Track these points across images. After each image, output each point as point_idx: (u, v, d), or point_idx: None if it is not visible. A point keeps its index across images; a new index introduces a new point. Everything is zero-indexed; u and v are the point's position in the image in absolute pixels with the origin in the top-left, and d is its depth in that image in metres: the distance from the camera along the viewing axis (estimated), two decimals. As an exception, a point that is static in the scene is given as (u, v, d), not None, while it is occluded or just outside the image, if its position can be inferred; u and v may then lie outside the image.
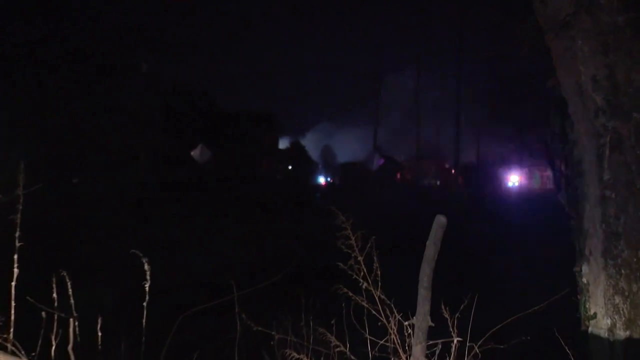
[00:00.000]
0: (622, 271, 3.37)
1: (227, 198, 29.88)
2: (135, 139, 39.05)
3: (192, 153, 31.97)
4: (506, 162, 64.85)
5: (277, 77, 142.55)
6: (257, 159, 56.78)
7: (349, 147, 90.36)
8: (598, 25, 3.40)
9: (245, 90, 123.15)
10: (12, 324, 3.09)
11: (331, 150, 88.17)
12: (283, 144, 79.56)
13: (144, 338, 3.28)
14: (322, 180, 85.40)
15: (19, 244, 3.13)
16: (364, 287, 3.05)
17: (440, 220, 2.56)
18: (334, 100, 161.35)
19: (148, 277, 3.19)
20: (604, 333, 3.43)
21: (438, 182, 68.41)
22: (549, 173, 55.70)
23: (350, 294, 3.13)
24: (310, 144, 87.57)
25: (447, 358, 2.92)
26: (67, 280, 3.28)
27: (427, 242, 2.55)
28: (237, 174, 46.78)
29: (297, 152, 76.63)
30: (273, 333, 3.75)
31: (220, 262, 10.97)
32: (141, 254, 3.20)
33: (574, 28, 3.48)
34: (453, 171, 61.03)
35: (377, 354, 3.18)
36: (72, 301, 3.24)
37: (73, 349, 3.15)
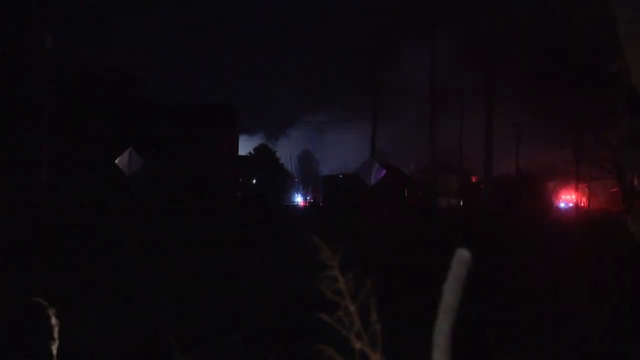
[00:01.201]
0: None
1: (160, 224, 29.77)
2: (34, 138, 38.90)
3: (117, 161, 31.81)
4: (557, 175, 65.22)
5: (240, 61, 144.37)
6: (209, 168, 56.59)
7: (338, 152, 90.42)
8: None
9: (202, 80, 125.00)
10: None
11: (312, 156, 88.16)
12: (247, 147, 79.55)
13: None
14: (299, 198, 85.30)
15: None
16: (358, 348, 3.06)
17: (463, 255, 2.54)
18: (320, 91, 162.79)
19: (56, 335, 3.18)
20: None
21: (461, 202, 68.73)
22: (616, 189, 56.06)
23: (339, 357, 3.13)
24: (286, 149, 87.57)
25: None
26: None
27: (444, 286, 2.54)
28: (180, 190, 46.66)
29: (265, 159, 76.60)
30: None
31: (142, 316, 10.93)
32: (45, 304, 3.19)
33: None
34: (482, 186, 61.28)
35: None
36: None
37: None
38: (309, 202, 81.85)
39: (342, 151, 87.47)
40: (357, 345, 3.08)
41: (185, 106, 58.69)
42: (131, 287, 13.69)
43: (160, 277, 14.90)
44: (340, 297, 2.99)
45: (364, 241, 22.96)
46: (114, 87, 50.56)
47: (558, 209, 62.60)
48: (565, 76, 46.57)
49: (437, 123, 55.13)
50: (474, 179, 72.92)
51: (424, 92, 57.87)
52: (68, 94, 45.75)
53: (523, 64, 56.48)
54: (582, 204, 64.69)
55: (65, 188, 39.12)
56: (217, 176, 59.04)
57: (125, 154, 31.78)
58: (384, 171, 34.14)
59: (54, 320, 3.19)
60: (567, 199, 66.59)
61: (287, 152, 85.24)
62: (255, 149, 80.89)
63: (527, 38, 55.02)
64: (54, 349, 3.19)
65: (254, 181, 73.24)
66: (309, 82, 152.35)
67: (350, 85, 70.37)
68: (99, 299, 12.78)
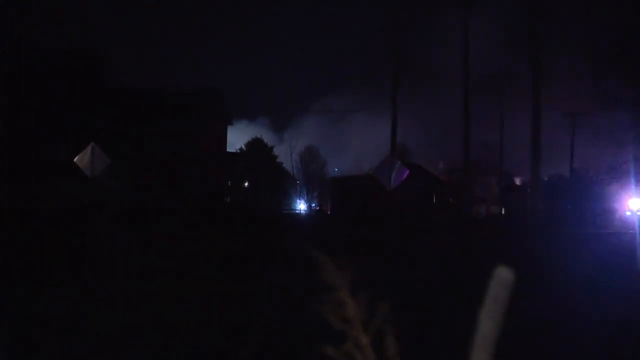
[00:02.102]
0: None
1: (123, 241, 29.54)
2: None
3: (76, 159, 31.61)
4: (622, 177, 64.80)
5: (234, 38, 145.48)
6: (189, 168, 56.34)
7: (349, 150, 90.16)
8: None
9: (188, 62, 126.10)
10: None
11: (317, 154, 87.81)
12: (237, 142, 79.24)
13: None
14: (302, 205, 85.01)
15: None
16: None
17: (502, 275, 2.54)
18: (330, 75, 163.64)
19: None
20: None
21: (503, 210, 68.51)
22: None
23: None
24: (286, 145, 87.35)
25: None
26: None
27: (481, 314, 2.54)
28: (152, 195, 46.56)
29: (259, 156, 76.40)
30: None
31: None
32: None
33: None
34: (529, 190, 61.07)
35: None
36: None
37: None
38: (314, 210, 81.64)
39: (353, 148, 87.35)
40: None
41: (159, 92, 58.09)
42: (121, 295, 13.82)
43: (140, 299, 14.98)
44: (350, 326, 2.98)
45: (377, 259, 22.90)
46: (74, 73, 50.56)
47: (623, 218, 62.12)
48: (634, 55, 46.05)
49: (472, 114, 54.67)
50: (517, 182, 72.76)
51: (456, 77, 57.33)
52: (18, 83, 45.89)
53: (580, 40, 56.09)
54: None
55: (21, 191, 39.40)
56: (198, 177, 58.78)
57: (87, 152, 31.22)
58: (407, 171, 33.54)
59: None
60: (634, 205, 66.02)
61: (287, 149, 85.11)
62: (248, 144, 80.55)
63: (584, 9, 54.52)
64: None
65: (246, 184, 73.06)
66: (316, 66, 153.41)
67: (369, 69, 70.11)
68: (97, 304, 12.91)
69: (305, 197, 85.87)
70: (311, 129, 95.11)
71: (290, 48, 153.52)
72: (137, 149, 50.43)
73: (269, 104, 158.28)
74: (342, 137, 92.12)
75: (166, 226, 36.50)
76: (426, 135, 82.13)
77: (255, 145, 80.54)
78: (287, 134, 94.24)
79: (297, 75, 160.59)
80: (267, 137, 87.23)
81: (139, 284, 18.32)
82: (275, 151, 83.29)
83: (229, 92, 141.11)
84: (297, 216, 71.17)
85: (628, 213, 64.64)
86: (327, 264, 2.97)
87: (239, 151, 78.09)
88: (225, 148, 69.68)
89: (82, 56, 52.63)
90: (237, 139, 78.49)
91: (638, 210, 64.09)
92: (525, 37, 52.36)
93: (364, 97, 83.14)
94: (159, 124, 54.33)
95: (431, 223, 49.06)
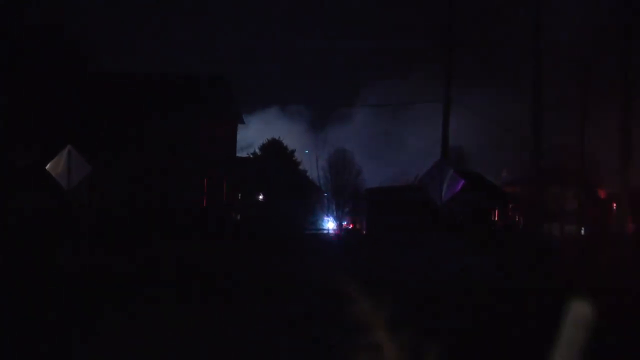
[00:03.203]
0: None
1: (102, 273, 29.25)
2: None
3: (49, 166, 31.52)
4: None
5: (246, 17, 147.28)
6: (189, 178, 55.96)
7: (392, 154, 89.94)
8: None
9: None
10: None
11: (350, 159, 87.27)
12: (247, 143, 79.16)
13: None
14: (330, 223, 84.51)
15: None
16: None
17: (581, 311, 2.53)
18: (362, 61, 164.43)
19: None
20: None
21: (582, 229, 67.87)
22: None
23: None
24: (311, 149, 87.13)
25: None
26: None
27: (553, 355, 2.55)
28: (144, 211, 46.45)
29: (276, 161, 76.11)
30: None
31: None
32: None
33: None
34: (615, 205, 60.49)
35: None
36: None
37: None
38: (346, 229, 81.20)
39: (396, 153, 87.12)
40: None
41: (154, 80, 57.51)
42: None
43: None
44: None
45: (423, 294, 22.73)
46: (47, 56, 50.68)
47: None
48: None
49: (545, 110, 54.00)
50: (602, 194, 72.25)
51: (523, 63, 56.80)
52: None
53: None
54: None
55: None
56: (201, 189, 58.46)
57: (62, 156, 30.85)
58: (462, 181, 33.15)
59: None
60: None
61: (312, 153, 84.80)
62: (263, 148, 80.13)
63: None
64: None
65: (261, 197, 72.87)
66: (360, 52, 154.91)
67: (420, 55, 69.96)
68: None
69: (335, 213, 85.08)
70: (345, 129, 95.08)
71: (333, 33, 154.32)
72: (126, 153, 50.33)
73: (305, 94, 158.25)
74: (382, 139, 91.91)
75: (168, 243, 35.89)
76: (487, 136, 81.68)
77: (272, 147, 79.84)
78: (319, 133, 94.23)
79: (339, 64, 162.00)
80: (292, 137, 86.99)
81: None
82: (298, 155, 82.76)
83: (252, 79, 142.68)
84: (325, 236, 70.71)
85: None
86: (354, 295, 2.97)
87: (251, 155, 77.82)
88: (235, 152, 69.23)
89: (58, 36, 52.77)
90: (253, 137, 78.80)
91: None
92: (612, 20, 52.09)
93: (412, 91, 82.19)
94: (143, 121, 53.51)
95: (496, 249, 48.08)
